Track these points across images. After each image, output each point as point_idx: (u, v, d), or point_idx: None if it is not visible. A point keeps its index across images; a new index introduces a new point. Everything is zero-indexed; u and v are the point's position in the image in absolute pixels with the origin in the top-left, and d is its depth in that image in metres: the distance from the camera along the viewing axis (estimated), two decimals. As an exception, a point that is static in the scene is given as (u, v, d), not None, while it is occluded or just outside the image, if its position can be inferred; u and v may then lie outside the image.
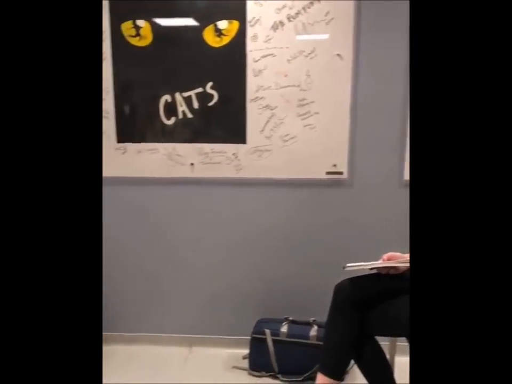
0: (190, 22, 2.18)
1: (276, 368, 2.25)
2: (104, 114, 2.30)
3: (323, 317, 1.73)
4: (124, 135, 2.34)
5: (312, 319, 2.30)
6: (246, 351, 2.38)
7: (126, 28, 2.20)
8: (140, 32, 2.20)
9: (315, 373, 2.08)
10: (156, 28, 2.20)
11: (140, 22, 2.19)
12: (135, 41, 2.21)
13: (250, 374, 2.29)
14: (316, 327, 2.25)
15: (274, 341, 2.25)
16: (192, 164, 2.34)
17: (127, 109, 2.31)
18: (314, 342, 2.20)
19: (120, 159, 2.36)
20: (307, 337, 2.22)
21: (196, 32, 2.18)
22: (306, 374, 2.18)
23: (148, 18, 2.19)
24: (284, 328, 2.27)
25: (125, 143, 2.34)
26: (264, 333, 2.27)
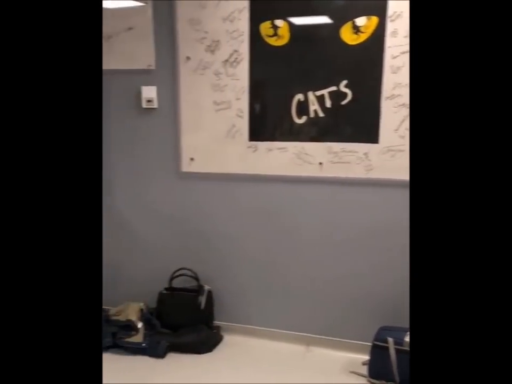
0: (327, 20, 2.18)
1: (397, 379, 2.15)
2: (238, 113, 2.40)
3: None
4: (256, 134, 2.41)
5: (442, 332, 2.16)
6: (365, 357, 2.31)
7: (265, 27, 2.26)
8: (278, 32, 2.25)
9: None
10: (293, 27, 2.23)
11: (278, 22, 2.23)
12: (272, 41, 2.27)
13: (369, 381, 2.22)
14: (445, 341, 2.10)
15: (397, 350, 2.15)
16: (320, 163, 2.34)
17: (260, 108, 2.38)
18: (442, 356, 2.06)
19: (251, 157, 2.44)
20: (434, 351, 2.08)
21: (332, 30, 2.17)
22: (433, 390, 2.05)
23: (286, 18, 2.23)
24: (409, 338, 2.16)
25: (256, 142, 2.41)
26: (386, 341, 2.18)
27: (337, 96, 2.24)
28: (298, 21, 2.22)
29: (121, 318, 2.56)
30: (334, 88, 2.23)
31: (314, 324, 2.55)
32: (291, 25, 2.23)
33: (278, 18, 2.23)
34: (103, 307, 2.81)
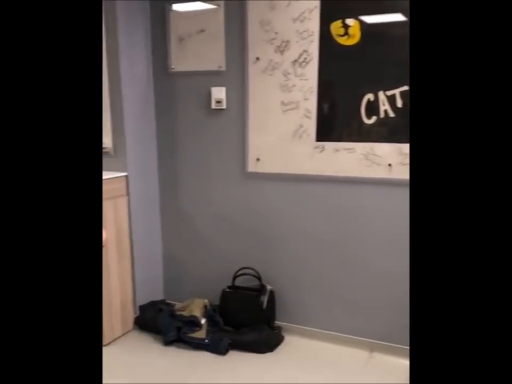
0: (400, 18, 2.12)
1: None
2: (306, 113, 2.39)
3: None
4: (323, 134, 2.39)
5: None
6: (432, 367, 2.23)
7: (335, 27, 2.24)
8: (349, 31, 2.22)
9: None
10: (364, 26, 2.19)
11: (349, 21, 2.20)
12: (342, 41, 2.24)
13: (435, 392, 2.14)
14: None
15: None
16: (389, 165, 2.28)
17: (328, 108, 2.35)
18: None
19: (318, 158, 2.42)
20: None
21: (405, 28, 2.11)
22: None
23: (358, 17, 2.19)
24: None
25: (324, 142, 2.39)
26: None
27: (409, 95, 2.18)
28: (370, 19, 2.18)
29: (186, 313, 2.62)
30: (405, 87, 2.17)
31: (378, 330, 2.49)
32: (362, 24, 2.19)
33: (349, 17, 2.20)
34: (169, 302, 2.90)
